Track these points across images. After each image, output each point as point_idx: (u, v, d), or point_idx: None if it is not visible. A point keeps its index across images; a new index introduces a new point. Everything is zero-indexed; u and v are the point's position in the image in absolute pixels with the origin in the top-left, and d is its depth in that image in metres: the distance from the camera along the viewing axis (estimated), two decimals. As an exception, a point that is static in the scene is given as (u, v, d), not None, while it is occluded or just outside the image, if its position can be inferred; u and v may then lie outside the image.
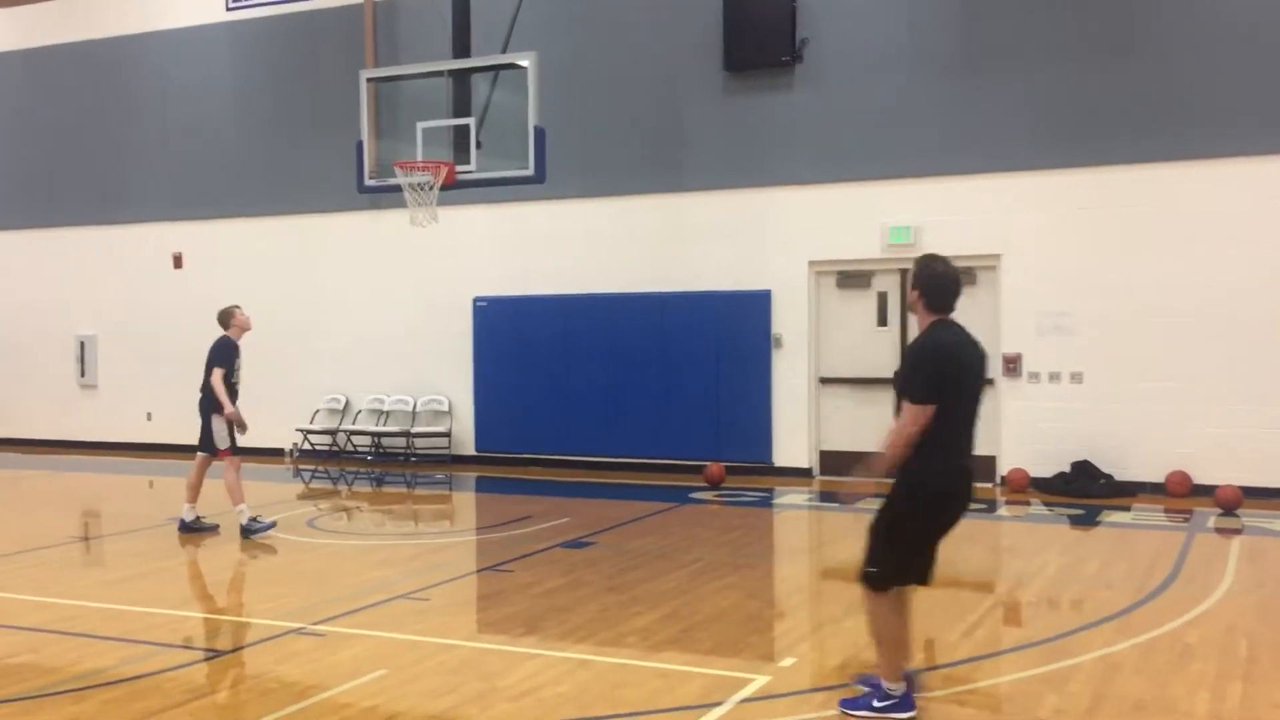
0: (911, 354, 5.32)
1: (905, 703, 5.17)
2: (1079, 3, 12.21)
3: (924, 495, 5.11)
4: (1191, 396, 11.71)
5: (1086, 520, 10.64)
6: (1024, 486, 12.16)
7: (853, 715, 5.21)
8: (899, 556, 5.15)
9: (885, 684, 5.20)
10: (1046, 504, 11.51)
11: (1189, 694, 5.53)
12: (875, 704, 5.19)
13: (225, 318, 10.46)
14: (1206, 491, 11.28)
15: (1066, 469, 12.07)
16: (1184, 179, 11.80)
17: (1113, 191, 12.06)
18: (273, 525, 10.12)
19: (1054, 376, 12.28)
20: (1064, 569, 8.50)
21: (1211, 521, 10.39)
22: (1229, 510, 10.74)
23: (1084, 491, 11.74)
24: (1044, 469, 12.18)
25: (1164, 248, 11.86)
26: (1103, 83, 12.05)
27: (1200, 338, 11.71)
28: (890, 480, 5.15)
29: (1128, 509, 11.08)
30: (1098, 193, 12.12)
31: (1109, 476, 11.90)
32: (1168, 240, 11.87)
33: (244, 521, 10.02)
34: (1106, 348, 12.08)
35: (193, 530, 10.15)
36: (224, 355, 10.20)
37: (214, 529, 10.14)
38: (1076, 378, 12.18)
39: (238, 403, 10.19)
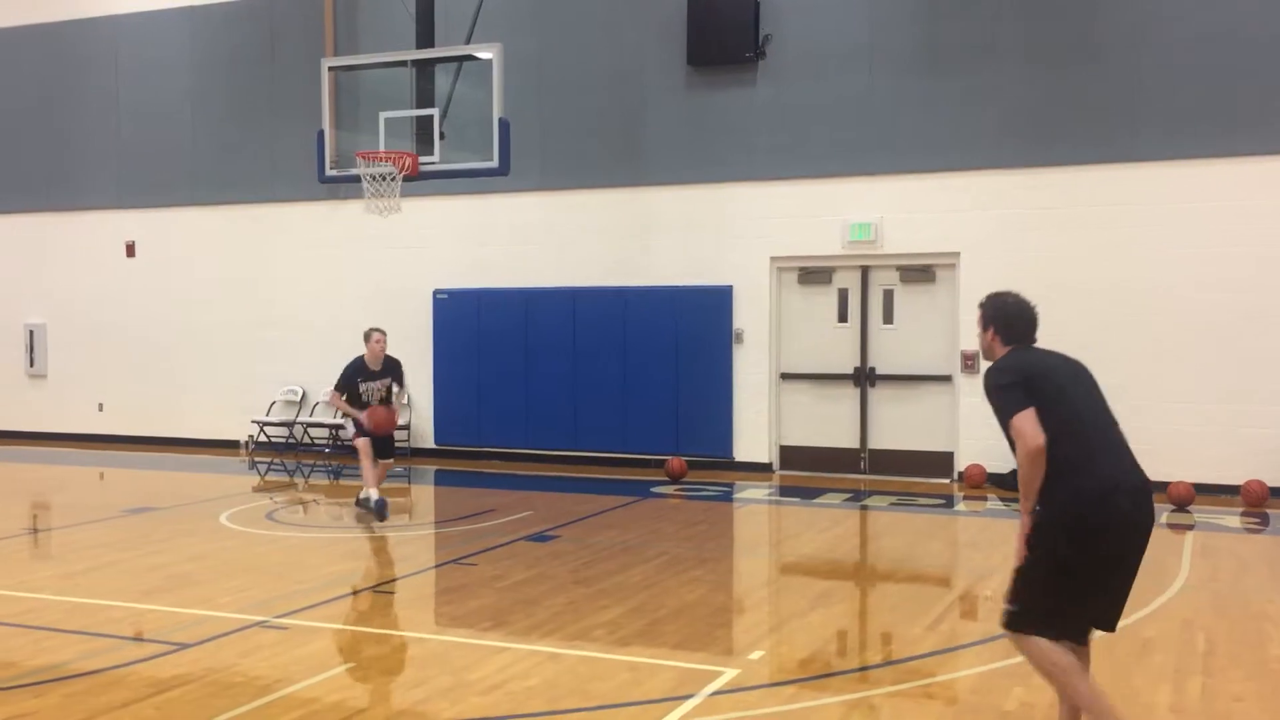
0: (985, 382, 4.63)
1: None
2: (1040, 4, 12.35)
3: (1055, 530, 4.33)
4: (1145, 394, 11.89)
5: (1043, 516, 10.76)
6: (981, 482, 12.30)
7: None
8: (1039, 600, 4.39)
9: None
10: (1003, 499, 11.65)
11: (1150, 686, 5.63)
12: None
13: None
14: (1159, 488, 11.42)
15: (1022, 465, 12.20)
16: (1140, 180, 11.98)
17: (1070, 192, 12.22)
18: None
19: (1011, 374, 12.41)
20: (1023, 564, 8.60)
21: (1165, 517, 10.57)
22: (1181, 506, 10.93)
23: (1039, 487, 11.88)
24: (1001, 465, 12.27)
25: (1120, 247, 12.04)
26: (1063, 84, 12.20)
27: (1154, 337, 11.91)
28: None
29: (1082, 505, 11.22)
30: (1056, 193, 12.27)
31: (1064, 473, 12.05)
32: (1124, 240, 12.05)
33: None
34: (1062, 345, 12.13)
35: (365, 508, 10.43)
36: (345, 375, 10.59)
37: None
38: (1033, 375, 12.32)
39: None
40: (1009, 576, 4.53)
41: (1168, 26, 11.86)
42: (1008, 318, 4.80)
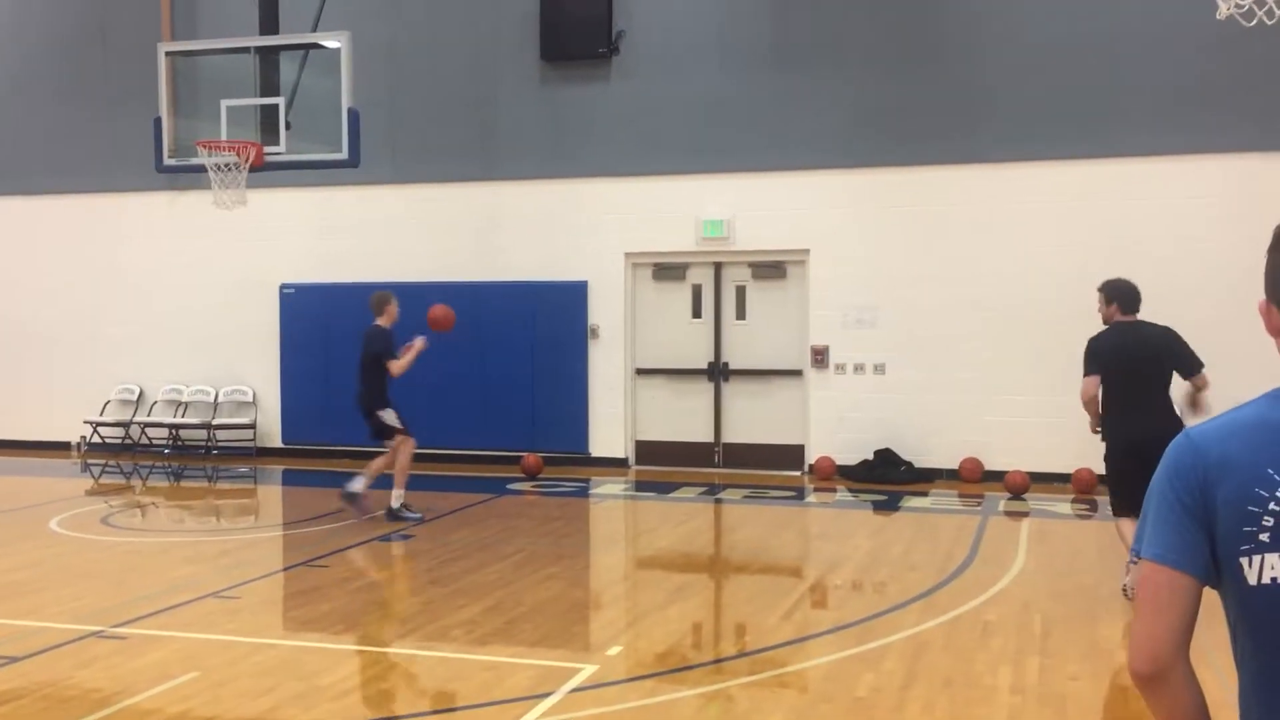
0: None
1: None
2: (886, 7, 12.69)
3: (1107, 450, 7.32)
4: (984, 387, 12.37)
5: (889, 506, 11.11)
6: (830, 474, 12.59)
7: None
8: (1111, 492, 7.33)
9: None
10: (852, 490, 11.96)
11: (992, 669, 5.85)
12: None
13: (380, 304, 10.37)
14: (997, 477, 11.95)
15: (870, 456, 12.56)
16: (980, 180, 12.43)
17: (915, 190, 12.60)
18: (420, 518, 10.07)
19: (859, 368, 12.76)
20: (872, 553, 8.86)
21: (1002, 505, 11.02)
22: (1017, 494, 11.40)
23: (886, 478, 12.25)
24: (849, 457, 12.64)
25: (960, 245, 12.48)
26: (907, 85, 12.55)
27: (993, 331, 12.38)
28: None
29: (926, 494, 11.63)
30: (901, 191, 12.64)
31: (909, 464, 12.45)
32: (964, 238, 12.49)
33: (394, 505, 10.07)
34: (907, 340, 12.63)
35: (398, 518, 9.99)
36: (387, 343, 10.26)
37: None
38: (879, 369, 12.70)
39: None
40: None
41: (1007, 31, 12.31)
42: (1118, 293, 7.39)
